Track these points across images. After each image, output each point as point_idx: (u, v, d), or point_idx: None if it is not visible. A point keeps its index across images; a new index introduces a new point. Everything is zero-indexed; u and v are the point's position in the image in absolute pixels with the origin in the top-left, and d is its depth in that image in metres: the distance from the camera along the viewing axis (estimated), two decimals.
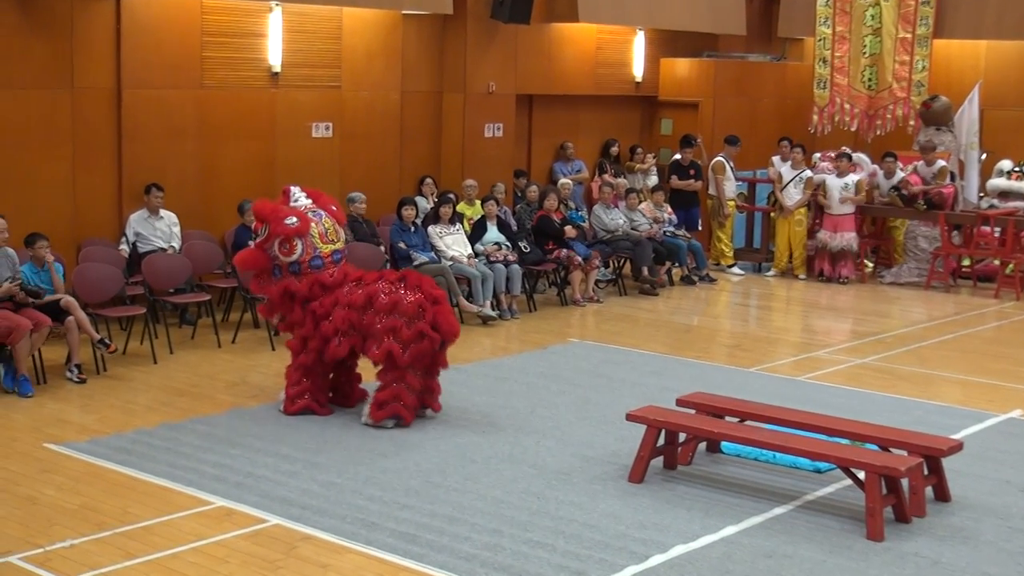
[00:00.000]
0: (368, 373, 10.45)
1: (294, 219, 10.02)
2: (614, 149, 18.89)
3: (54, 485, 8.25)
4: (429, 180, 16.35)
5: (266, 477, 8.46)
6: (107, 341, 11.16)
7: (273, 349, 12.42)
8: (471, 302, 14.14)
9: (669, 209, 17.46)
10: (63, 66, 13.07)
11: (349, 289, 9.95)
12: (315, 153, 15.34)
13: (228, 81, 14.46)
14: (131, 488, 8.23)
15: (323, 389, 10.12)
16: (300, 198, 10.31)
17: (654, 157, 19.07)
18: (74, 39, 13.13)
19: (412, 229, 14.28)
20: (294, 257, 10.01)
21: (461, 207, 15.50)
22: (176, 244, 13.42)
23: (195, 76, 14.14)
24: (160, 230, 13.39)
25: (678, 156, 18.24)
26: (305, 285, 9.98)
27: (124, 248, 13.25)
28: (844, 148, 18.29)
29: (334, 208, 10.44)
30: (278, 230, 10.01)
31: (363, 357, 10.13)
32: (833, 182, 17.53)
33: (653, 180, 18.65)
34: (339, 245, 10.22)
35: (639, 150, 19.03)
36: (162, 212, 13.46)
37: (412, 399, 9.72)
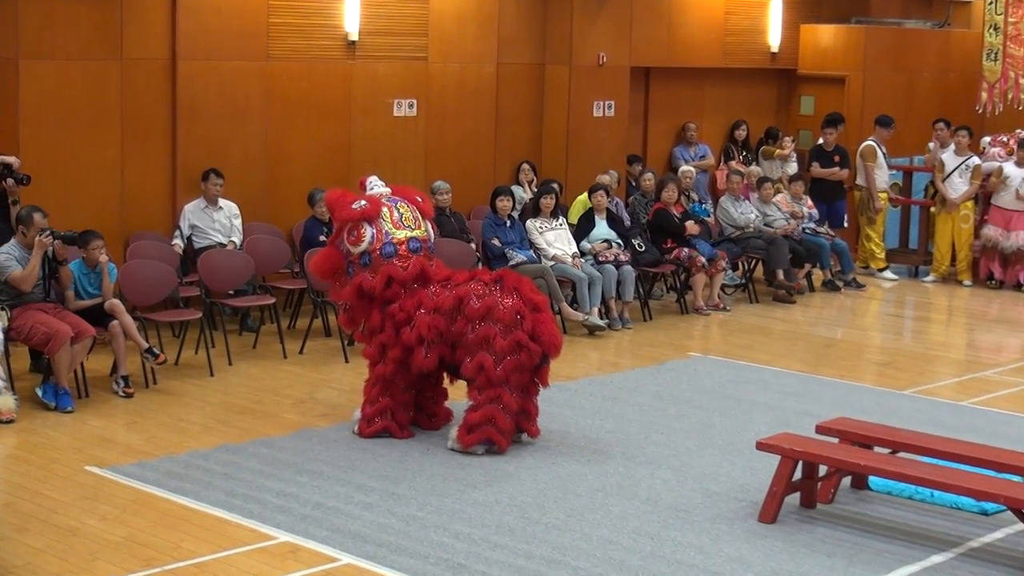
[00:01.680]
0: (456, 391, 10.49)
1: (362, 202, 10.09)
2: (740, 131, 18.79)
3: (97, 514, 8.40)
4: (527, 166, 16.39)
5: (337, 509, 8.54)
6: (156, 351, 11.32)
7: (347, 361, 12.54)
8: (575, 309, 14.15)
9: (809, 202, 17.32)
10: (111, 34, 13.30)
11: (435, 291, 9.97)
12: (397, 134, 15.46)
13: (298, 51, 14.63)
14: (183, 519, 8.35)
15: (405, 408, 10.16)
16: (377, 187, 10.37)
17: (793, 141, 18.93)
18: (124, 3, 13.35)
19: (508, 223, 14.32)
20: (363, 245, 10.00)
21: (582, 203, 15.39)
22: (237, 239, 13.60)
23: (261, 46, 14.32)
24: (219, 222, 13.59)
25: (821, 140, 18.09)
26: (380, 280, 9.97)
27: (178, 243, 13.46)
28: (1020, 131, 18.00)
29: (419, 199, 10.48)
30: (343, 215, 10.06)
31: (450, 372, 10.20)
32: (1014, 171, 17.24)
33: (793, 168, 18.51)
34: (418, 233, 10.20)
35: (780, 134, 18.91)
36: (221, 202, 13.66)
37: (507, 422, 9.74)
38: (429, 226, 10.38)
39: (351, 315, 10.32)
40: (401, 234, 10.08)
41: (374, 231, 10.01)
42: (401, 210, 10.17)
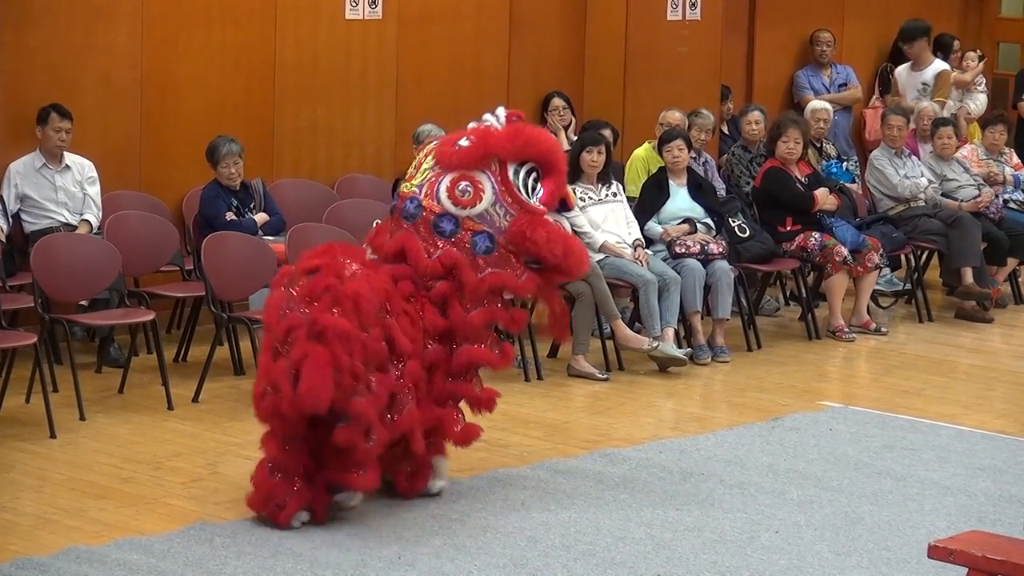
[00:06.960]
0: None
1: None
2: (905, 46, 18.78)
3: None
4: (560, 102, 16.40)
5: None
6: None
7: None
8: (639, 331, 14.15)
9: (1016, 159, 17.32)
10: None
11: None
12: (351, 50, 15.46)
13: None
14: None
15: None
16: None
17: (982, 58, 18.90)
18: None
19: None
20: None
21: (644, 161, 15.40)
22: (93, 217, 13.66)
23: None
24: (64, 191, 13.63)
25: None
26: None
27: None
28: None
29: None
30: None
31: None
32: None
33: (979, 103, 18.51)
34: None
35: (954, 45, 18.93)
36: (68, 158, 13.70)
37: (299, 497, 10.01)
38: None
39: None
40: None
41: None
42: None
